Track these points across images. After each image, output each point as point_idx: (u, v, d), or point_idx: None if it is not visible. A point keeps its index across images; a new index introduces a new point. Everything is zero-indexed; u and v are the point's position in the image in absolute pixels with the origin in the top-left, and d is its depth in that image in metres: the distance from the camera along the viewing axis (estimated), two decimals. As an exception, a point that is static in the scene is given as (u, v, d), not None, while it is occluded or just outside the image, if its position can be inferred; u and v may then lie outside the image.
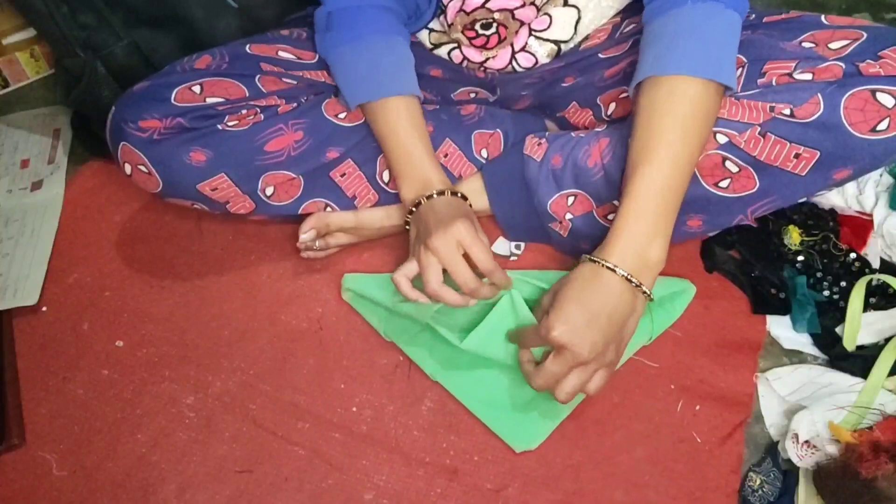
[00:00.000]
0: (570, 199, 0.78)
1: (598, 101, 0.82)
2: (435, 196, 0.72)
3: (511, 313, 0.71)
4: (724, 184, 0.69)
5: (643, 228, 0.63)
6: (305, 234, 0.82)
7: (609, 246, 0.64)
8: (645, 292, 0.64)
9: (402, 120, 0.74)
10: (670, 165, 0.63)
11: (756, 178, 0.68)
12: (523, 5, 0.68)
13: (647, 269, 0.64)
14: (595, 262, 0.64)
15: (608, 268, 0.63)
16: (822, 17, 0.68)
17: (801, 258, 0.81)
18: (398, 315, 0.78)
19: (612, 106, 0.81)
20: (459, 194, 0.74)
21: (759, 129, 0.65)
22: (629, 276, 0.62)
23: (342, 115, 0.78)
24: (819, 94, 0.62)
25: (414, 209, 0.73)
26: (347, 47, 0.75)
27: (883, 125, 0.61)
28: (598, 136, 0.77)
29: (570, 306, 0.62)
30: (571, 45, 0.76)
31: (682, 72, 0.63)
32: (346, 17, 0.74)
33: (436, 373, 0.74)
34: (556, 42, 0.75)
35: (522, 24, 0.71)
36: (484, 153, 0.85)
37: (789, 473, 0.68)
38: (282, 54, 0.79)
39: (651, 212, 0.63)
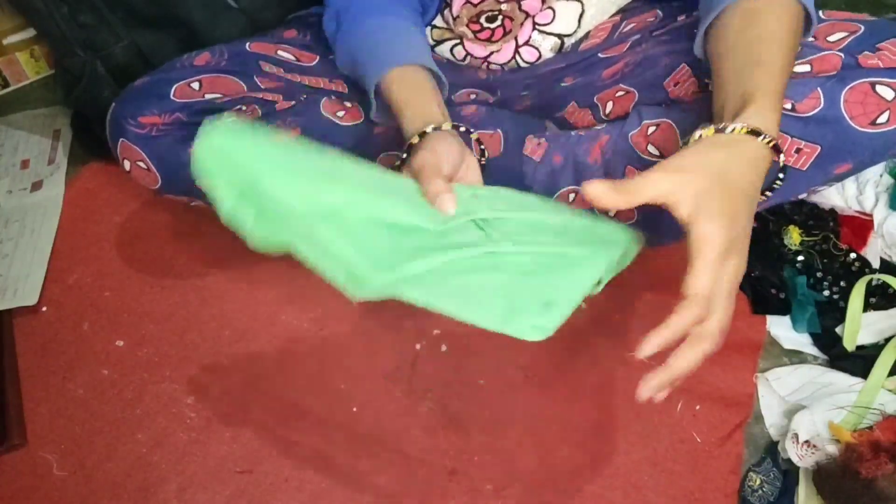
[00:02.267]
0: (571, 196, 0.78)
1: (595, 101, 0.82)
2: (430, 131, 0.62)
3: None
4: None
5: (775, 97, 0.53)
6: None
7: (752, 106, 0.52)
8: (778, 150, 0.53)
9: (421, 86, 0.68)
10: (783, 71, 0.55)
11: None
12: None
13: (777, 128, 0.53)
14: (737, 129, 0.51)
15: (760, 135, 0.51)
16: (820, 12, 0.68)
17: (801, 258, 0.81)
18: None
19: (610, 105, 0.81)
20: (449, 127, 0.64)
21: None
22: (774, 141, 0.52)
23: (340, 114, 0.78)
24: (819, 89, 0.62)
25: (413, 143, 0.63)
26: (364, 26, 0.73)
27: (883, 118, 0.61)
28: (598, 133, 0.77)
29: (714, 203, 0.48)
30: (574, 38, 0.76)
31: None
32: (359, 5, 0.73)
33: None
34: (559, 36, 0.75)
35: (528, 16, 0.71)
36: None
37: (789, 473, 0.68)
38: (281, 54, 0.79)
39: (778, 91, 0.54)
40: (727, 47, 0.59)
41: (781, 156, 0.53)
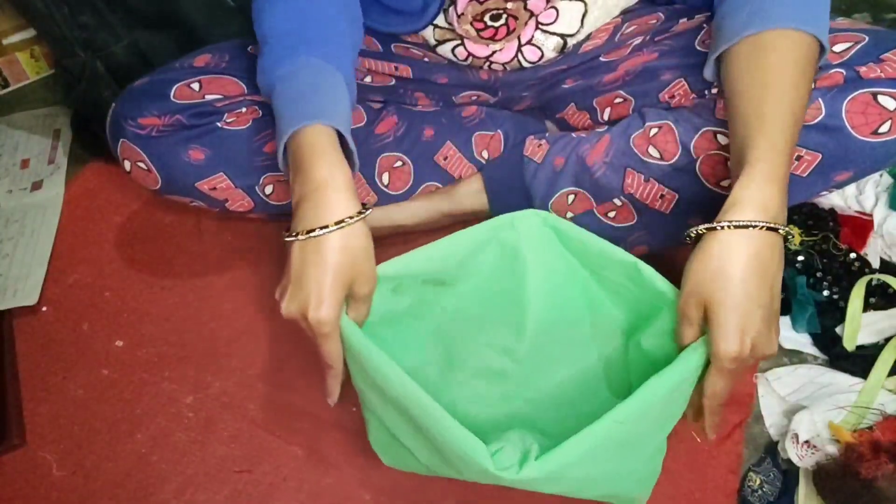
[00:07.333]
0: (570, 198, 0.78)
1: (594, 104, 0.82)
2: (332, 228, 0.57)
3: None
4: (725, 183, 0.69)
5: (771, 191, 0.53)
6: None
7: (739, 205, 0.53)
8: (786, 233, 0.54)
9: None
10: (788, 124, 0.55)
11: None
12: None
13: (781, 215, 0.54)
14: (727, 227, 0.53)
15: (753, 226, 0.52)
16: None
17: (801, 258, 0.81)
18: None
19: (608, 111, 0.81)
20: (359, 216, 0.58)
21: None
22: (771, 225, 0.52)
23: None
24: (820, 100, 0.62)
25: (298, 235, 0.58)
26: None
27: (885, 127, 0.61)
28: (599, 135, 0.77)
29: (730, 315, 0.52)
30: (577, 39, 0.76)
31: (785, 24, 0.58)
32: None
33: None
34: (562, 36, 0.75)
35: (532, 15, 0.71)
36: (485, 154, 0.85)
37: (789, 473, 0.67)
38: None
39: (780, 175, 0.54)
40: (736, 90, 0.59)
41: (783, 229, 0.53)
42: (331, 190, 0.57)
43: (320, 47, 0.65)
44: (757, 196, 0.53)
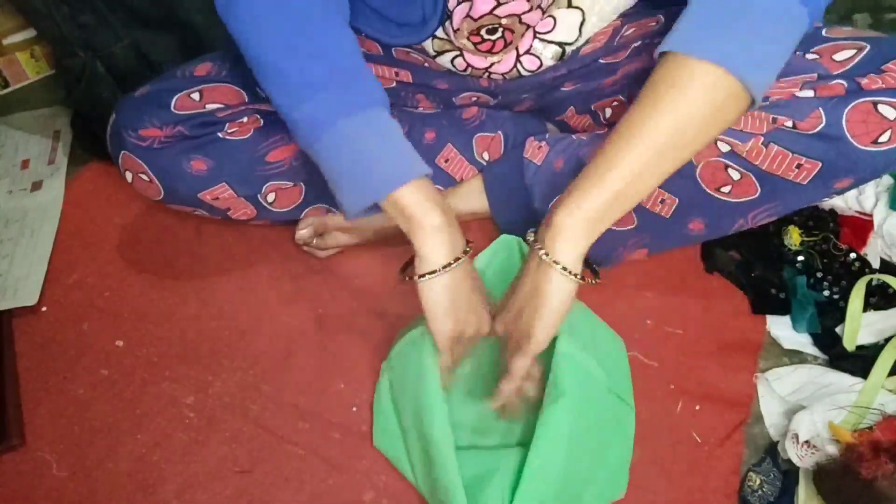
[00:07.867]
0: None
1: (593, 108, 0.82)
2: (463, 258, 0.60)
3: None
4: (725, 189, 0.69)
5: (576, 223, 0.57)
6: (303, 231, 0.82)
7: (541, 235, 0.59)
8: (557, 264, 0.56)
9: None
10: (639, 169, 0.56)
11: (757, 184, 0.68)
12: (530, 9, 0.68)
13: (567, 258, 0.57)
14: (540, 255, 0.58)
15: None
16: (823, 31, 0.68)
17: (801, 258, 0.81)
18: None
19: (608, 112, 0.81)
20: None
21: (762, 139, 0.65)
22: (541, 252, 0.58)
23: None
24: (820, 109, 0.62)
25: (437, 271, 0.58)
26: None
27: (885, 137, 0.61)
28: (599, 137, 0.77)
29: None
30: (576, 46, 0.76)
31: (706, 56, 0.53)
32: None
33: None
34: (560, 44, 0.75)
35: (528, 27, 0.72)
36: (485, 155, 0.85)
37: (789, 473, 0.68)
38: None
39: (594, 213, 0.57)
40: (628, 111, 0.58)
41: (565, 272, 0.57)
42: (448, 227, 0.61)
43: (362, 95, 0.62)
44: (552, 238, 0.58)
